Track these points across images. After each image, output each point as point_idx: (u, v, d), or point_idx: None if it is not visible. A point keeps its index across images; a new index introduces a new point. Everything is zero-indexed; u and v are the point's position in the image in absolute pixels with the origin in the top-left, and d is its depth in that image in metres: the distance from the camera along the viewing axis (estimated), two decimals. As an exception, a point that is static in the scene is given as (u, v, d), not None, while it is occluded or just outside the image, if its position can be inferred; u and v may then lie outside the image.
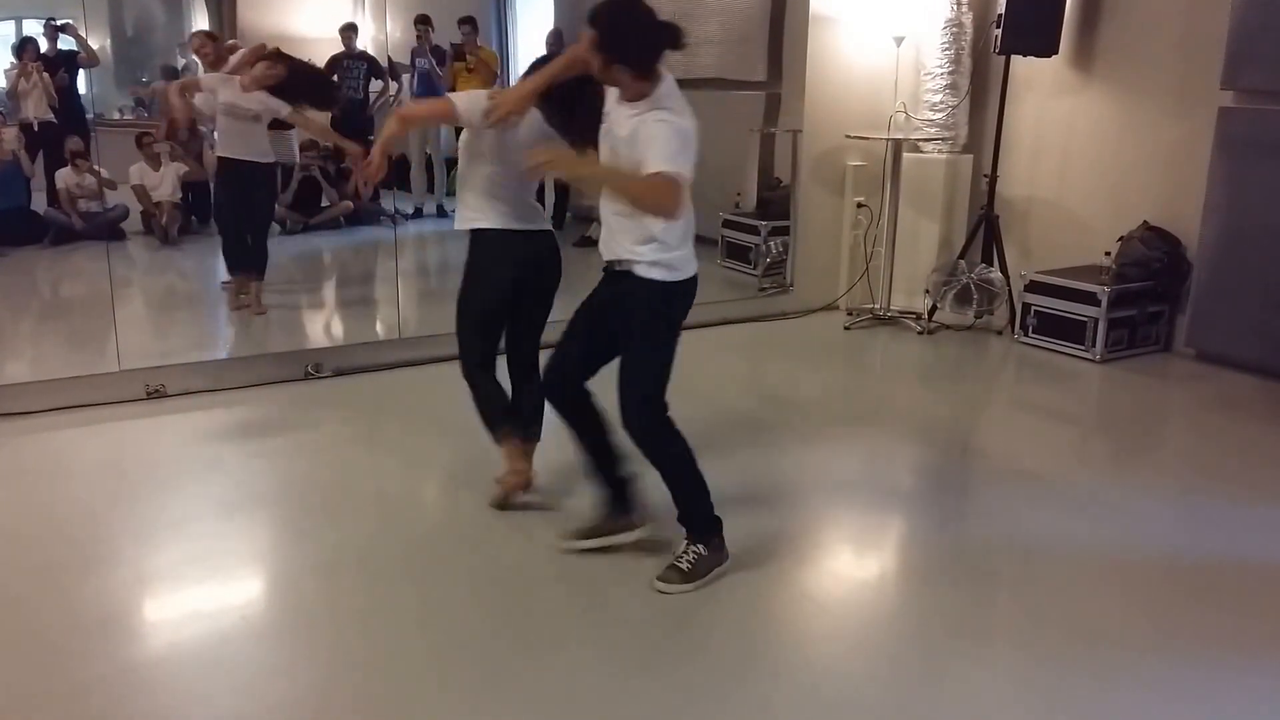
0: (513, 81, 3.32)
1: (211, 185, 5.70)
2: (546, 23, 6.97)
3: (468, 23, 6.78)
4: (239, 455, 3.85)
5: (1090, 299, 5.05)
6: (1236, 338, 4.90)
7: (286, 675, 2.47)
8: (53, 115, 5.66)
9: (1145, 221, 5.24)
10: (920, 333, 5.57)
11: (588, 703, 2.38)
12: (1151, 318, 5.20)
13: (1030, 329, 5.33)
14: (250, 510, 3.39)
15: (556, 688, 2.43)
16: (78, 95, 5.66)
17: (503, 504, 3.30)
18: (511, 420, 3.27)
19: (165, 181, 5.85)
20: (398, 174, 6.94)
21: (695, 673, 2.48)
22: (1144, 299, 5.13)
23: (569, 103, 2.90)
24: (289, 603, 2.86)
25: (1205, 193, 4.94)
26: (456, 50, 6.79)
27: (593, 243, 7.35)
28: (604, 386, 2.85)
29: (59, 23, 5.47)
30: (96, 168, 5.67)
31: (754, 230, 6.26)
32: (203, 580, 2.92)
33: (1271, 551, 3.18)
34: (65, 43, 5.52)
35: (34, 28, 5.51)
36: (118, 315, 4.61)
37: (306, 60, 5.52)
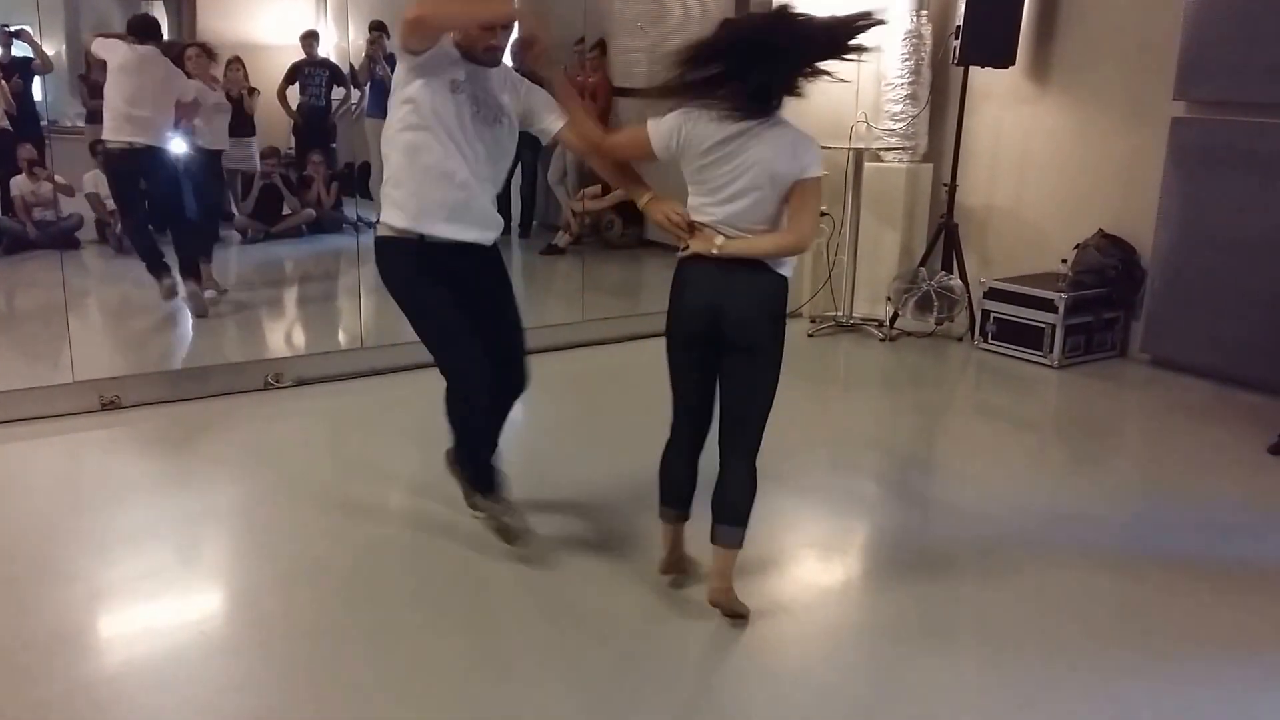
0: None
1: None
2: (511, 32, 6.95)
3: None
4: (196, 468, 3.80)
5: (1047, 306, 5.12)
6: (1190, 343, 4.99)
7: (244, 691, 2.44)
8: (8, 122, 5.57)
9: (1101, 229, 5.33)
10: (882, 340, 5.62)
11: (550, 714, 2.37)
12: (1107, 324, 5.29)
13: (989, 335, 5.40)
14: (208, 524, 3.34)
15: (516, 701, 2.42)
16: (32, 102, 5.57)
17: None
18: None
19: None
20: (359, 181, 6.90)
21: (662, 681, 2.48)
22: (1100, 305, 5.21)
23: None
24: (247, 617, 2.82)
25: (1159, 201, 5.04)
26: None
27: (560, 251, 7.37)
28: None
29: (13, 29, 5.38)
30: (52, 175, 5.59)
31: (718, 238, 6.29)
32: (159, 595, 2.87)
33: (1226, 552, 3.24)
34: (20, 49, 5.44)
35: (-13, 33, 5.42)
36: (72, 325, 4.53)
37: None
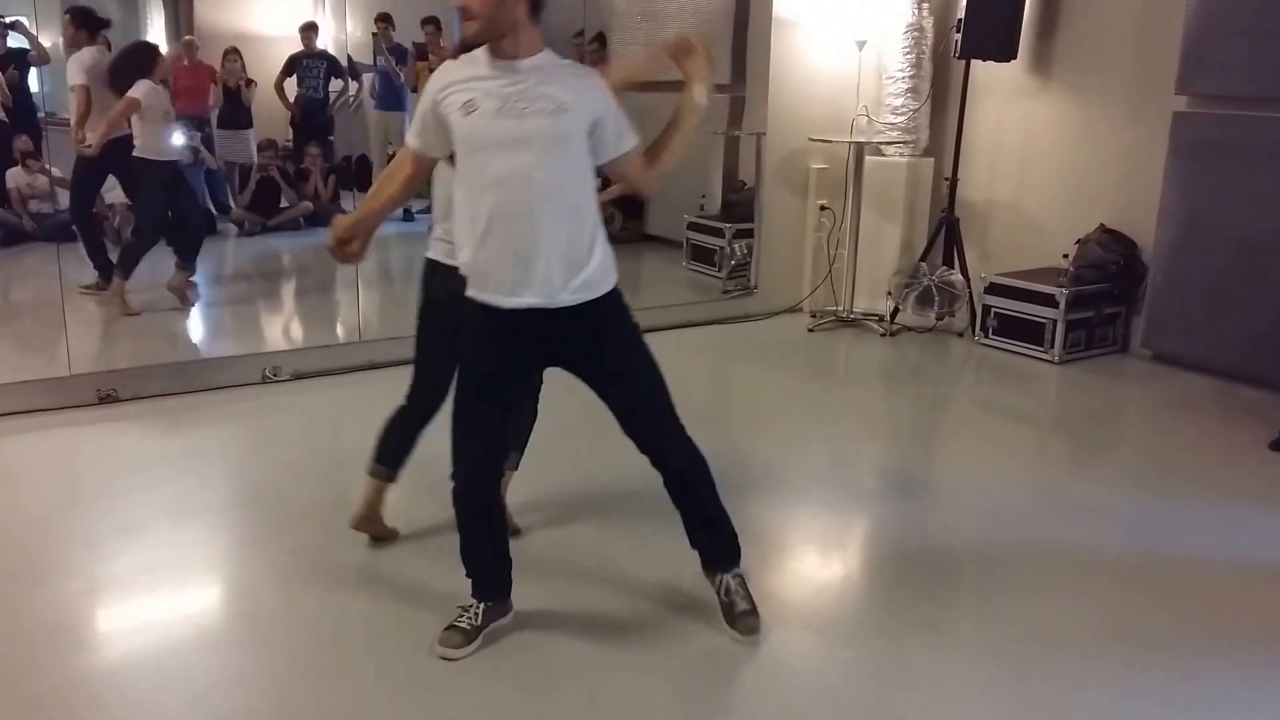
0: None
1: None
2: None
3: (431, 23, 6.75)
4: (194, 461, 3.78)
5: (1048, 301, 5.11)
6: (1191, 339, 4.98)
7: (242, 685, 2.43)
8: (4, 114, 5.54)
9: (1102, 224, 5.31)
10: (883, 334, 5.61)
11: (546, 700, 2.36)
12: (1108, 319, 5.28)
13: (990, 330, 5.39)
14: (205, 517, 3.33)
15: (514, 693, 2.41)
16: (29, 93, 5.55)
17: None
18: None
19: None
20: (357, 174, 6.89)
21: (657, 674, 2.47)
22: (1101, 301, 5.20)
23: None
24: (245, 611, 2.81)
25: (1160, 196, 5.02)
26: (420, 50, 6.75)
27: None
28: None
29: (8, 20, 5.36)
30: (48, 167, 5.57)
31: (719, 233, 6.27)
32: (156, 589, 2.86)
33: (1228, 549, 3.23)
34: (15, 40, 5.41)
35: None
36: (69, 318, 4.52)
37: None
